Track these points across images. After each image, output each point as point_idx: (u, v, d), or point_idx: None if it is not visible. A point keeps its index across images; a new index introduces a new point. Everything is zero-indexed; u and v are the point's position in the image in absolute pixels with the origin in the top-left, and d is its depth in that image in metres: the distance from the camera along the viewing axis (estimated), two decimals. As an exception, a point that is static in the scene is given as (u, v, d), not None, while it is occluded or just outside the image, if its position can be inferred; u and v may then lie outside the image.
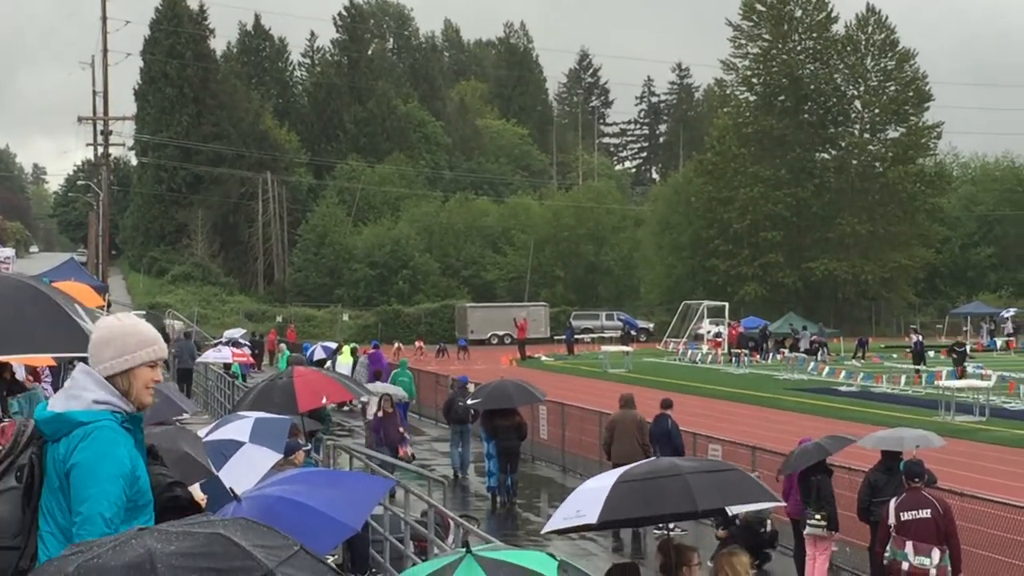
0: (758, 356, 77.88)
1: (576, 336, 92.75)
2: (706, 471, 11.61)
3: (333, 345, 53.73)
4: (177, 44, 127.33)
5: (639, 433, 25.60)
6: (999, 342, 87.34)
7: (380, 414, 29.68)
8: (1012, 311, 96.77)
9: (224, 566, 5.58)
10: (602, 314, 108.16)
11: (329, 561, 11.89)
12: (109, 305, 53.49)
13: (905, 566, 15.37)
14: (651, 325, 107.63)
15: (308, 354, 51.26)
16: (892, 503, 15.83)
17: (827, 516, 18.89)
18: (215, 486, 11.95)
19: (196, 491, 11.11)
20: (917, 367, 60.57)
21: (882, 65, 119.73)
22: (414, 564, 8.49)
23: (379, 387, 32.55)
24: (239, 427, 14.31)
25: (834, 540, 19.55)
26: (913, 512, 15.51)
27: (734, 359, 75.22)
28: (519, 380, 32.51)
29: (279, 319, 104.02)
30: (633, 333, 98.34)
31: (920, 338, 65.57)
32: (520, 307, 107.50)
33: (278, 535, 6.08)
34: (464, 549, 7.40)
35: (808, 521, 19.01)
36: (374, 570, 19.73)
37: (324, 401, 22.67)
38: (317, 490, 10.42)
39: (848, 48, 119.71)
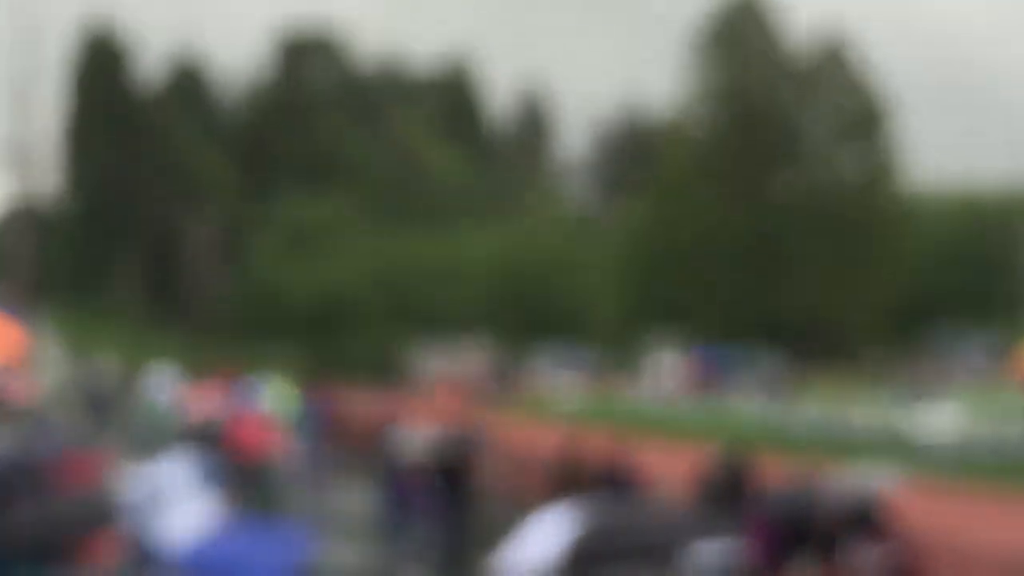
0: (715, 389, 77.34)
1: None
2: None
3: (268, 386, 50.82)
4: (103, 74, 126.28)
5: (586, 472, 24.39)
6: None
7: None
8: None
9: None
10: (552, 349, 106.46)
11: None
12: (32, 348, 53.04)
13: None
14: (604, 359, 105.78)
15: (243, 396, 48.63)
16: None
17: None
18: (143, 536, 12.25)
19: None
20: None
21: (838, 84, 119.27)
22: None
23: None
24: (175, 471, 14.47)
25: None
26: None
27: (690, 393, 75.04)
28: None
29: (212, 358, 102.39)
30: (582, 368, 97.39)
31: None
32: (470, 344, 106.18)
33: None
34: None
35: None
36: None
37: (259, 444, 24.50)
38: (246, 541, 11.09)
39: (801, 70, 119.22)
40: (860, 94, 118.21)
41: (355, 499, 36.45)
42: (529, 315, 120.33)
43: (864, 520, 16.63)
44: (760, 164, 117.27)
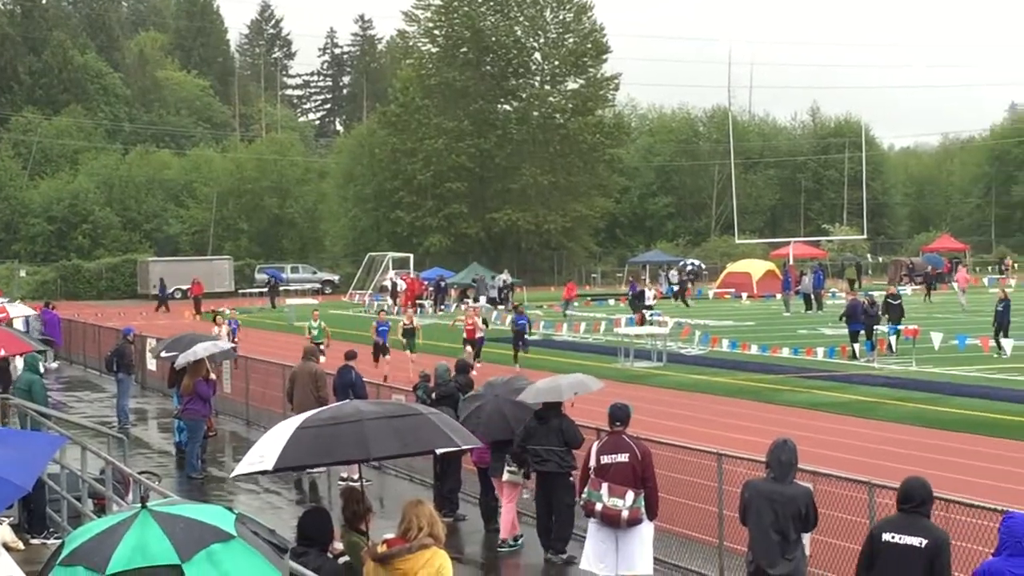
0: (442, 308, 78.45)
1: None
2: (388, 416, 11.54)
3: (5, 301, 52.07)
4: None
5: (314, 384, 25.76)
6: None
7: (214, 379, 27.59)
8: (695, 262, 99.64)
9: None
10: (287, 267, 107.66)
11: (5, 523, 11.64)
12: None
13: (599, 507, 15.73)
14: (336, 277, 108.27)
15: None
16: (594, 447, 16.14)
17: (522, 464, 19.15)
18: None
19: None
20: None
21: (561, 17, 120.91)
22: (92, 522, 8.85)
23: (208, 347, 27.77)
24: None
25: (526, 487, 19.86)
26: (612, 456, 15.83)
27: (418, 310, 75.60)
28: (207, 334, 32.54)
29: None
30: (281, 288, 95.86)
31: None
32: (203, 261, 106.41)
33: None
34: (139, 505, 7.31)
35: (507, 468, 19.30)
36: (52, 529, 19.40)
37: (1, 353, 22.91)
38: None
39: (527, 0, 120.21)
40: (583, 25, 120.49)
41: (96, 407, 38.30)
42: (263, 234, 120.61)
43: (558, 426, 18.16)
44: (486, 87, 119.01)
